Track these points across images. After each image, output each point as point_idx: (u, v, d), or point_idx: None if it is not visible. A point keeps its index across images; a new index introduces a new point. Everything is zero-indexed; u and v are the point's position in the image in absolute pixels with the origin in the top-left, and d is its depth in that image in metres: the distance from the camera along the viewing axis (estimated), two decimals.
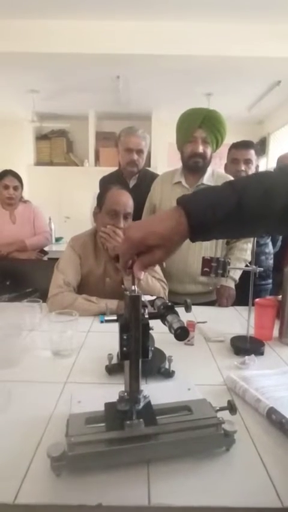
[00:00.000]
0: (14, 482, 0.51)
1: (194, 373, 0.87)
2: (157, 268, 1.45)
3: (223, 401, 0.63)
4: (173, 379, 0.84)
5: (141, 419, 0.58)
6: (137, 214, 1.59)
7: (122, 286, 1.17)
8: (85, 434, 0.56)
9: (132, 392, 0.60)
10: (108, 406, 0.62)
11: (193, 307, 1.32)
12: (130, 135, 1.91)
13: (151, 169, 2.93)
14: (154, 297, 0.67)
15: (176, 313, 0.59)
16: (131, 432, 0.57)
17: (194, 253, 1.55)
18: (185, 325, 0.55)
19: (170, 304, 0.62)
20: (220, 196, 0.54)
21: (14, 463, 0.55)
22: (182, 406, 0.64)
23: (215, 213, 0.52)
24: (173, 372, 0.85)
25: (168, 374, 0.84)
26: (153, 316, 0.61)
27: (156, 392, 0.68)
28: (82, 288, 1.40)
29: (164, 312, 0.60)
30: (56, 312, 1.02)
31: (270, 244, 2.00)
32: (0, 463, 0.56)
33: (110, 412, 0.61)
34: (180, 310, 0.62)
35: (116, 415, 0.59)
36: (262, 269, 1.10)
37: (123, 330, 0.57)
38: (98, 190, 1.66)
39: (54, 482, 0.52)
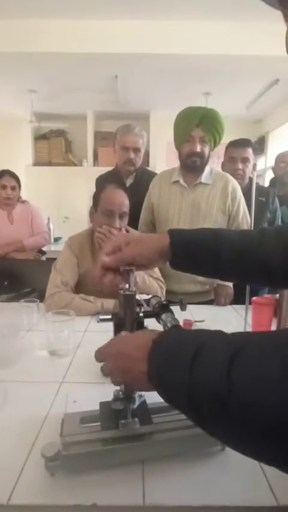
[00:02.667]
0: (8, 483, 0.51)
1: None
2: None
3: None
4: None
5: (136, 419, 0.58)
6: (135, 213, 1.59)
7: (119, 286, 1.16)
8: (80, 433, 0.56)
9: (127, 391, 0.60)
10: (103, 405, 0.62)
11: (191, 306, 1.33)
12: (127, 134, 1.89)
13: (150, 168, 2.92)
14: (150, 296, 0.67)
15: (171, 311, 0.59)
16: (125, 431, 0.56)
17: None
18: (181, 324, 0.55)
19: (165, 302, 0.61)
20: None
21: (8, 463, 0.55)
22: None
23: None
24: None
25: None
26: (148, 314, 0.60)
27: None
28: (79, 288, 1.39)
29: (159, 311, 0.59)
30: (52, 312, 1.02)
31: None
32: None
33: (105, 411, 0.61)
34: (175, 309, 0.61)
35: (111, 414, 0.59)
36: None
37: (117, 329, 0.57)
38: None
39: (48, 482, 0.52)
